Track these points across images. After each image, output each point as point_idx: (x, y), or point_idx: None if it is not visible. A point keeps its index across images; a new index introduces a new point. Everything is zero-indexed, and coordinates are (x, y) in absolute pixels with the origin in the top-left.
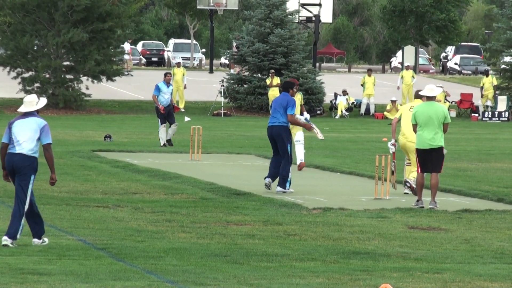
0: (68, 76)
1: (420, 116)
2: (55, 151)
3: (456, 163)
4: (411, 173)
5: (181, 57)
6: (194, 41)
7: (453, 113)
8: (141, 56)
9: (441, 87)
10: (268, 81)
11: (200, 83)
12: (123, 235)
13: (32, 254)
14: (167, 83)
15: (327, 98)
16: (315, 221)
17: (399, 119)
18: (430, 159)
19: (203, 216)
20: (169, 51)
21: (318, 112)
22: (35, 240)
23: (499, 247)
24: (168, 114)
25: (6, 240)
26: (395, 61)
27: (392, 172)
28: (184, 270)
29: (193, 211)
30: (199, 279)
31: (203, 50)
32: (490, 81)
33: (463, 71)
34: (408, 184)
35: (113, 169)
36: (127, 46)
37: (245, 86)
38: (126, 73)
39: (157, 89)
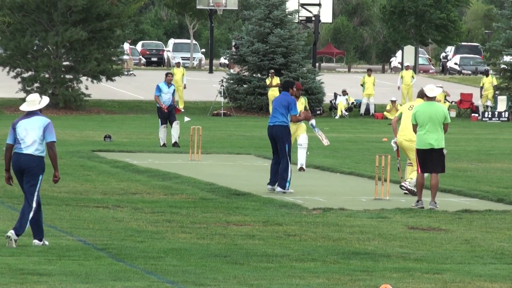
0: (67, 76)
1: (420, 116)
2: None
3: (456, 163)
4: (412, 173)
5: (181, 57)
6: (194, 41)
7: (453, 113)
8: (140, 56)
9: (441, 87)
10: (268, 81)
11: (200, 83)
12: (123, 236)
13: (32, 254)
14: (168, 83)
15: (327, 98)
16: (315, 222)
17: (399, 118)
18: (430, 159)
19: (203, 217)
20: (168, 51)
21: (318, 112)
22: (36, 241)
23: (499, 247)
24: (169, 114)
25: (12, 233)
26: (395, 61)
27: (398, 169)
28: (184, 271)
29: (193, 212)
30: (199, 280)
31: (203, 50)
32: (490, 81)
33: (463, 71)
34: (403, 187)
35: (113, 169)
36: (126, 46)
37: (245, 86)
38: (126, 73)
39: (158, 89)
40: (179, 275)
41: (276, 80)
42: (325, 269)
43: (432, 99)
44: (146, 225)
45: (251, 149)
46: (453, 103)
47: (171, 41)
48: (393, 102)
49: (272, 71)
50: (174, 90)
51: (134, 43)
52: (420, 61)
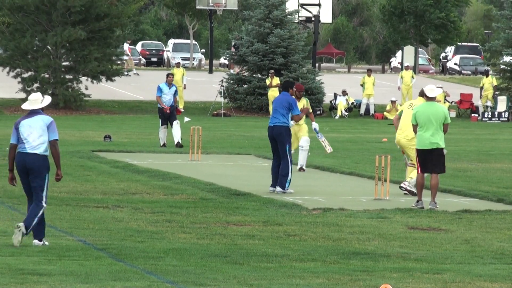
0: (67, 76)
1: (420, 117)
2: None
3: (456, 164)
4: (412, 173)
5: (181, 57)
6: (194, 41)
7: (453, 114)
8: (140, 57)
9: (440, 87)
10: (267, 82)
11: (200, 83)
12: (123, 236)
13: (32, 254)
14: (169, 84)
15: (327, 99)
16: (315, 222)
17: (400, 117)
18: (430, 159)
19: (203, 217)
20: (168, 51)
21: (318, 112)
22: (36, 241)
23: (499, 247)
24: (169, 114)
25: (22, 226)
26: (395, 61)
27: (406, 164)
28: (184, 271)
29: (193, 212)
30: (199, 280)
31: (203, 50)
32: (489, 82)
33: (462, 71)
34: (403, 188)
35: (113, 169)
36: (125, 46)
37: (245, 86)
38: (126, 73)
39: (159, 90)
40: (179, 275)
41: (276, 81)
42: (325, 269)
43: (432, 99)
44: (146, 225)
45: (251, 149)
46: (453, 103)
47: (171, 41)
48: (393, 102)
49: (272, 71)
50: (175, 90)
51: (134, 43)
52: (420, 61)
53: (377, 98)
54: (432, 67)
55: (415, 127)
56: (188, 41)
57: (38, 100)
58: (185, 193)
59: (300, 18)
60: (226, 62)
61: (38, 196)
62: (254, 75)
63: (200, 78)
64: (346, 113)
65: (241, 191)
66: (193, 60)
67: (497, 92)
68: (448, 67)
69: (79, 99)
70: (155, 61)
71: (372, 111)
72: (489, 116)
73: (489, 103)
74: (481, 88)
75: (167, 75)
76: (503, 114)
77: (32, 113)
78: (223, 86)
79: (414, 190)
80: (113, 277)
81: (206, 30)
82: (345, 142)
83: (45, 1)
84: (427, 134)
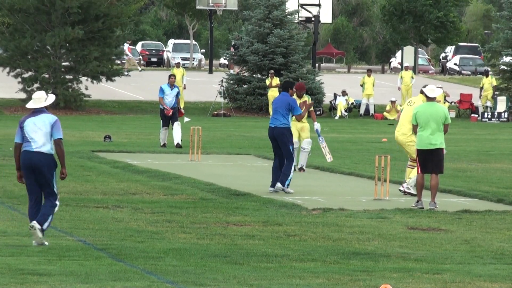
0: (67, 77)
1: (420, 117)
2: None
3: (456, 164)
4: (411, 173)
5: (181, 58)
6: (194, 42)
7: (453, 114)
8: (140, 57)
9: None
10: (267, 82)
11: (200, 83)
12: (123, 236)
13: (32, 254)
14: (171, 85)
15: (327, 99)
16: (315, 222)
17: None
18: (430, 159)
19: (203, 217)
20: (168, 51)
21: (318, 112)
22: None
23: (499, 247)
24: (171, 115)
25: (35, 223)
26: (395, 62)
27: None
28: (184, 271)
29: (192, 212)
30: (199, 280)
31: (203, 50)
32: (489, 82)
33: (462, 71)
34: (401, 191)
35: (113, 169)
36: (125, 46)
37: (245, 86)
38: (126, 73)
39: (161, 91)
40: (179, 275)
41: (276, 81)
42: (325, 269)
43: (433, 99)
44: (146, 225)
45: (250, 149)
46: (452, 103)
47: (171, 42)
48: (392, 102)
49: (272, 71)
50: (178, 92)
51: (134, 43)
52: (420, 61)
53: (377, 98)
54: (432, 67)
55: (415, 127)
56: (188, 41)
57: (42, 98)
58: (185, 193)
59: (300, 18)
60: (226, 62)
61: (50, 193)
62: (254, 75)
63: (200, 78)
64: (346, 113)
65: (241, 191)
66: (193, 60)
67: (496, 92)
68: (448, 67)
69: (79, 99)
70: (155, 61)
71: (372, 111)
72: (489, 116)
73: (488, 103)
74: (481, 88)
75: (169, 76)
76: (502, 114)
77: (37, 111)
78: (223, 86)
79: (413, 191)
80: (113, 277)
81: (206, 30)
82: (345, 142)
83: (46, 1)
84: (428, 134)
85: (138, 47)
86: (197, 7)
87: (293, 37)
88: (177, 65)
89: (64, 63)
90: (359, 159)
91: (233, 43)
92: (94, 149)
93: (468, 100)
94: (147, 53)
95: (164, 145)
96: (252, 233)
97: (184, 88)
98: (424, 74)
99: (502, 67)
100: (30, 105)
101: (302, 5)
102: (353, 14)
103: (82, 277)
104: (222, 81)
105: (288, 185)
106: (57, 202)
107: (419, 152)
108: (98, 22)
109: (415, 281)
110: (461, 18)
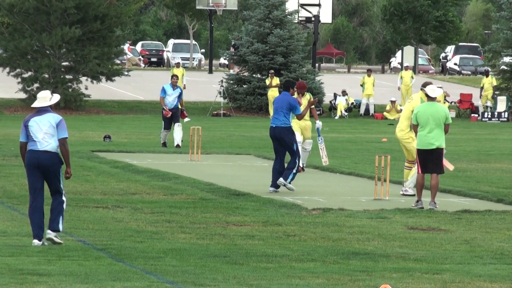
0: (67, 76)
1: (421, 117)
2: None
3: (456, 164)
4: (408, 175)
5: (181, 58)
6: (193, 42)
7: (453, 114)
8: (140, 57)
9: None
10: (267, 82)
11: (200, 83)
12: (123, 236)
13: (31, 254)
14: (173, 86)
15: (327, 99)
16: (314, 222)
17: None
18: (430, 159)
19: (203, 217)
20: (168, 51)
21: (318, 112)
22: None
23: (498, 247)
24: (173, 116)
25: (49, 234)
26: (395, 62)
27: None
28: (184, 271)
29: (192, 212)
30: (199, 280)
31: (203, 50)
32: (489, 82)
33: (462, 71)
34: (402, 193)
35: (113, 169)
36: (125, 46)
37: (245, 86)
38: (126, 73)
39: (163, 91)
40: (178, 275)
41: (276, 81)
42: (325, 269)
43: (433, 99)
44: (146, 226)
45: (250, 149)
46: (452, 103)
47: (171, 42)
48: (392, 102)
49: (272, 71)
50: (180, 92)
51: (134, 43)
52: (420, 61)
53: (377, 98)
54: (432, 67)
55: (415, 127)
56: (188, 41)
57: (46, 98)
58: (184, 193)
59: (300, 18)
60: (226, 62)
61: (56, 190)
62: (254, 75)
63: (200, 78)
64: (346, 113)
65: (240, 191)
66: (193, 60)
67: (497, 92)
68: (448, 67)
69: (79, 99)
70: (155, 61)
71: (371, 111)
72: (489, 116)
73: (489, 103)
74: (481, 88)
75: (172, 77)
76: (503, 114)
77: (41, 111)
78: (223, 86)
79: (410, 192)
80: (113, 277)
81: (206, 30)
82: (344, 142)
83: (45, 2)
84: (428, 134)
85: (138, 47)
86: (197, 7)
87: (293, 37)
88: (177, 65)
89: (64, 63)
90: (359, 159)
91: (233, 43)
92: (94, 149)
93: (468, 100)
94: (147, 53)
95: (164, 143)
96: (251, 233)
97: (184, 88)
98: (424, 74)
99: (502, 67)
100: (35, 104)
101: (302, 5)
102: (353, 14)
103: (82, 277)
104: (222, 81)
105: (291, 180)
106: (64, 198)
107: (419, 152)
108: (97, 22)
109: (415, 281)
110: (461, 18)
